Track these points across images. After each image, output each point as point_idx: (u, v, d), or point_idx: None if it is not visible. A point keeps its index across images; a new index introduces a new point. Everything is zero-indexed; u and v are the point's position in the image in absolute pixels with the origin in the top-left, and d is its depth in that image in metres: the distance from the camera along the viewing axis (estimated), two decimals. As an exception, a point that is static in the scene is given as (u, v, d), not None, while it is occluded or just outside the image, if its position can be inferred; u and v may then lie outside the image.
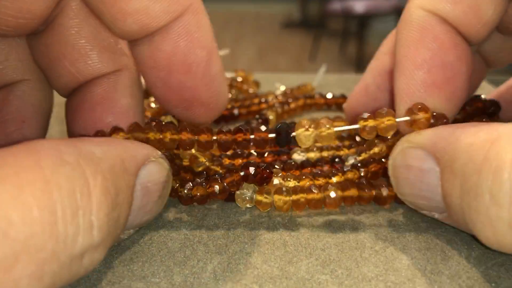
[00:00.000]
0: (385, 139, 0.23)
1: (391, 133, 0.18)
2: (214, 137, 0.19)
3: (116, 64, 0.19)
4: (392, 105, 0.19)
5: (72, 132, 0.20)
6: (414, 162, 0.17)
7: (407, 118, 0.18)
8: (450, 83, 0.18)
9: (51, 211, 0.11)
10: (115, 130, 0.18)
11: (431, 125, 0.18)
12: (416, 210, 0.20)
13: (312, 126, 0.19)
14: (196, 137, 0.19)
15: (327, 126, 0.18)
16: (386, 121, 0.18)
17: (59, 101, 0.21)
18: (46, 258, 0.11)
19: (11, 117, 0.19)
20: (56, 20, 0.18)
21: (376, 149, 0.23)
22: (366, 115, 0.19)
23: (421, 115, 0.17)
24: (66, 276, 0.12)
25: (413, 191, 0.18)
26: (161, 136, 0.18)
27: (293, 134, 0.19)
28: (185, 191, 0.19)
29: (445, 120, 0.17)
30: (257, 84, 0.36)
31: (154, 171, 0.16)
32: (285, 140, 0.19)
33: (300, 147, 0.19)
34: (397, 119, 0.18)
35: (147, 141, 0.18)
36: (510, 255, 0.17)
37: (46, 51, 0.19)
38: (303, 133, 0.19)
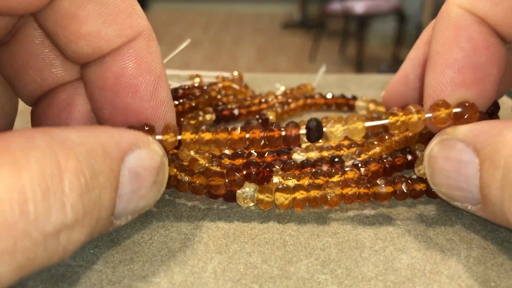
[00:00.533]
0: (383, 140, 0.23)
1: (420, 129, 0.19)
2: (247, 135, 0.19)
3: (80, 71, 0.20)
4: None
5: None
6: (453, 153, 0.17)
7: (430, 114, 0.18)
8: (479, 84, 0.18)
9: (20, 191, 0.11)
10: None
11: (456, 115, 0.18)
12: (416, 210, 0.20)
13: (342, 121, 0.19)
14: (229, 136, 0.19)
15: (357, 121, 0.19)
16: (416, 117, 0.18)
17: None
18: (18, 235, 0.11)
19: None
20: (20, 31, 0.19)
21: (376, 149, 0.23)
22: (396, 109, 0.19)
23: (442, 111, 0.18)
24: (42, 253, 0.12)
25: (449, 181, 0.18)
26: (197, 137, 0.19)
27: (325, 129, 0.19)
28: (185, 178, 0.19)
29: (475, 107, 0.18)
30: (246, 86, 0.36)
31: (144, 156, 0.16)
32: (316, 135, 0.19)
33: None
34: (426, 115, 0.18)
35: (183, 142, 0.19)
36: (509, 255, 0.17)
37: (11, 60, 0.19)
38: (336, 128, 0.19)
